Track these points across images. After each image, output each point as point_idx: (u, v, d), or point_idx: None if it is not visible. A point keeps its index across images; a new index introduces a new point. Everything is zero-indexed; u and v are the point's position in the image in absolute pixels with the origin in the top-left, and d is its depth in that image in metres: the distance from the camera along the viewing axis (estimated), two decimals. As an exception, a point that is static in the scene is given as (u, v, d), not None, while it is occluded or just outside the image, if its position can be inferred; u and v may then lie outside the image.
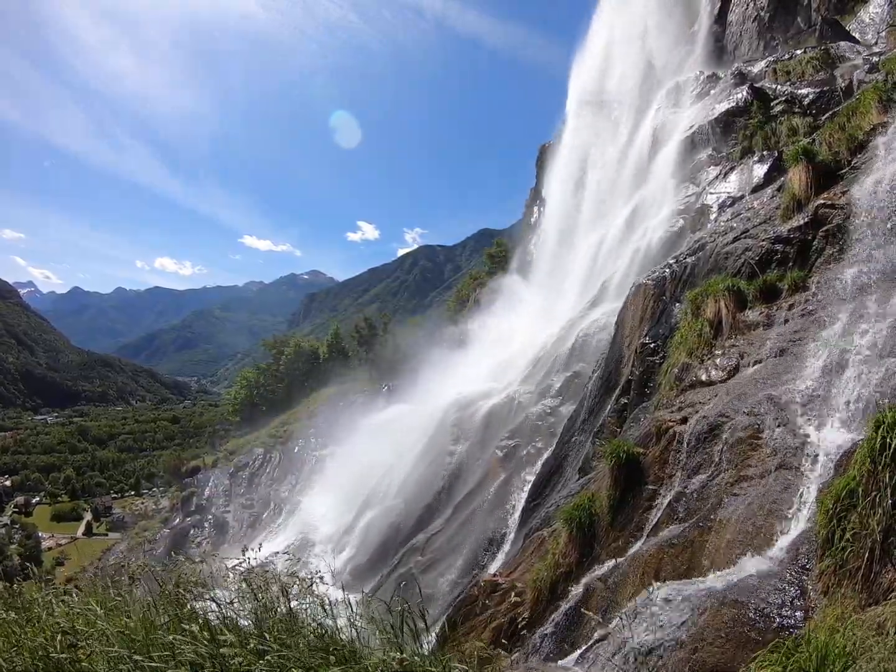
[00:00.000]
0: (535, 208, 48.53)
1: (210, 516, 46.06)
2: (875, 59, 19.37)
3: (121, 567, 5.71)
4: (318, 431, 51.46)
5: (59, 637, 3.65)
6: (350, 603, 4.78)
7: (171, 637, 3.61)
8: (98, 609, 4.28)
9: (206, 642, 3.53)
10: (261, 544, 7.76)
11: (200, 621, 3.96)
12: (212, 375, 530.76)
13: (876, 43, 22.11)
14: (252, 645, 3.45)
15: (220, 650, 3.36)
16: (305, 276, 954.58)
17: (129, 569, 5.55)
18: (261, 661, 3.31)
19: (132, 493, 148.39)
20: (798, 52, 23.14)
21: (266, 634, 3.77)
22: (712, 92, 26.47)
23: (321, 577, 5.48)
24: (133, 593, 5.09)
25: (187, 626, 3.79)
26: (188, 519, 46.95)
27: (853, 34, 23.52)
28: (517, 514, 18.92)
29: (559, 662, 8.32)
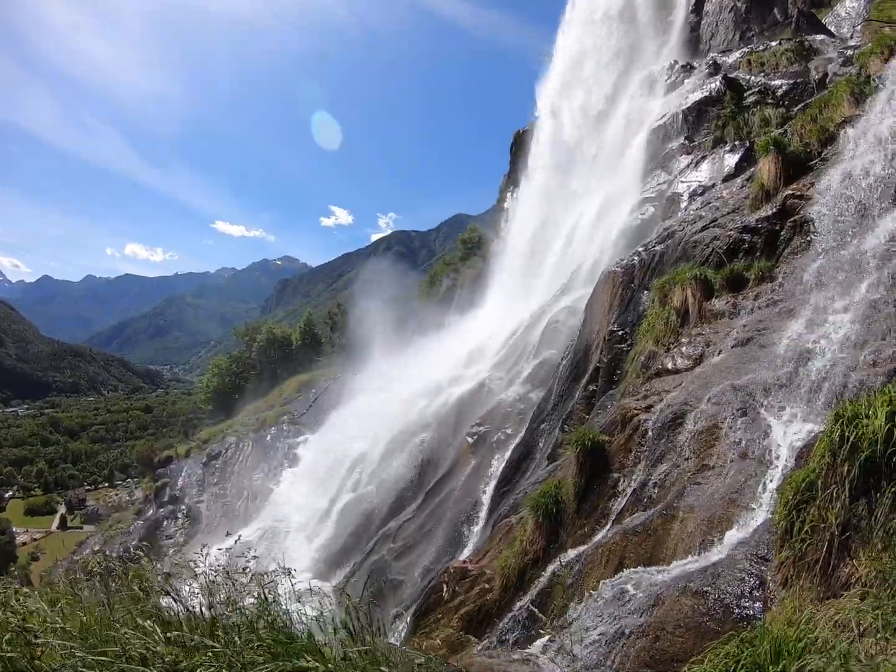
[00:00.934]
0: (509, 194, 48.42)
1: (183, 506, 45.62)
2: (849, 52, 19.48)
3: (80, 563, 5.62)
4: (291, 419, 51.25)
5: (9, 635, 3.57)
6: (308, 597, 4.74)
7: (122, 631, 3.60)
8: (46, 606, 4.20)
9: (158, 638, 3.51)
10: (240, 535, 7.62)
11: (151, 618, 3.89)
12: (185, 363, 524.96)
13: (851, 37, 22.26)
14: (195, 641, 3.40)
15: (157, 648, 3.32)
16: (278, 262, 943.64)
17: (88, 565, 5.46)
18: (193, 659, 3.28)
19: (106, 484, 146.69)
20: (773, 43, 23.22)
21: (218, 632, 3.73)
22: (686, 82, 26.49)
23: (288, 571, 5.43)
24: (88, 589, 5.01)
25: (141, 622, 3.76)
26: (161, 510, 46.46)
27: (829, 28, 23.67)
28: (487, 501, 18.88)
29: (527, 649, 8.34)
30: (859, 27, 22.18)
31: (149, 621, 3.75)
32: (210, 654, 3.33)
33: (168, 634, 3.49)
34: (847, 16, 23.91)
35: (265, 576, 5.08)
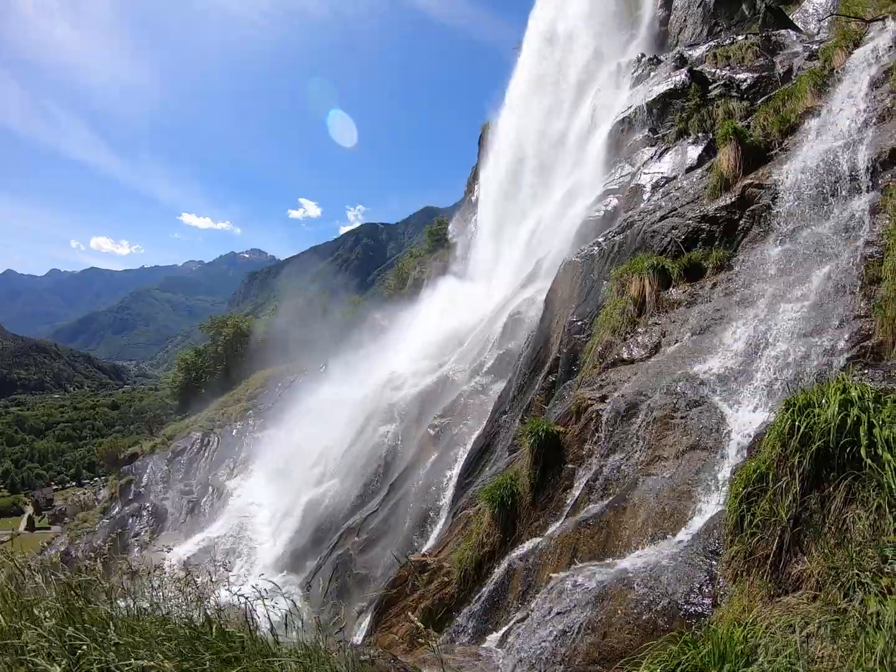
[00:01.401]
0: (477, 186, 48.50)
1: (148, 504, 45.16)
2: (815, 46, 19.66)
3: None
4: (257, 413, 51.04)
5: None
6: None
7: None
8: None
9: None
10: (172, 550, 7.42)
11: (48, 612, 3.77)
12: (151, 358, 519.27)
13: (818, 32, 22.43)
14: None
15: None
16: (246, 255, 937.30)
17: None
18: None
19: (73, 483, 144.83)
20: (739, 37, 23.35)
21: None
22: (653, 74, 26.55)
23: (223, 565, 5.30)
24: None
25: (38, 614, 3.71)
26: (127, 508, 45.94)
27: (796, 23, 23.80)
28: (449, 493, 18.87)
29: (484, 642, 8.45)
30: (826, 22, 22.31)
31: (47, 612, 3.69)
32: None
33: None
34: (814, 12, 24.09)
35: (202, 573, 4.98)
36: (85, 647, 3.23)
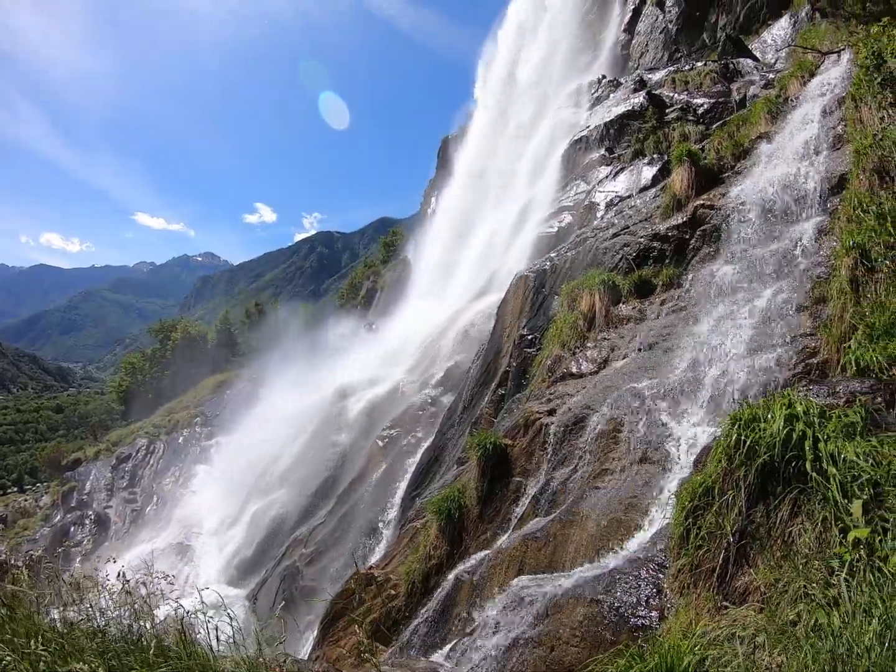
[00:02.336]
0: (434, 199, 48.68)
1: (91, 512, 44.10)
2: (771, 75, 20.12)
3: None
4: (205, 420, 50.21)
5: None
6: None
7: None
8: None
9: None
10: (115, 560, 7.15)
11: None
12: (99, 361, 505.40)
13: (775, 63, 22.95)
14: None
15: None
16: (199, 259, 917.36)
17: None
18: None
19: (15, 489, 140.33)
20: (699, 64, 23.85)
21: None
22: (612, 96, 27.05)
23: (166, 576, 5.20)
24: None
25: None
26: (69, 515, 44.87)
27: (755, 53, 24.37)
28: (398, 504, 18.79)
29: (431, 656, 8.20)
30: (784, 53, 22.85)
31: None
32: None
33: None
34: (773, 43, 24.67)
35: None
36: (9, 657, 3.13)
